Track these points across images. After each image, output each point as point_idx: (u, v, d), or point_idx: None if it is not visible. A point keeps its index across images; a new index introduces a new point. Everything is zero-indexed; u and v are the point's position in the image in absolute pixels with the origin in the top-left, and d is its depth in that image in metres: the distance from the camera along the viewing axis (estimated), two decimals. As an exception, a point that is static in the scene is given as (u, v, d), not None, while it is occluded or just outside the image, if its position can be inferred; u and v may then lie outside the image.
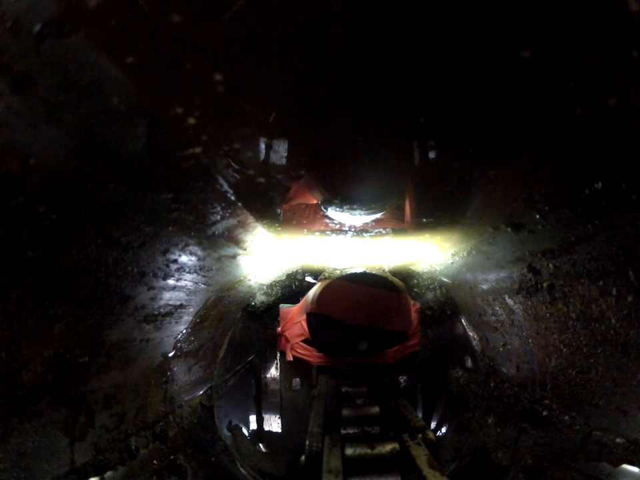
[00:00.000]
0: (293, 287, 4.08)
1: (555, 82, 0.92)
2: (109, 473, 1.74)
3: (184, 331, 2.39)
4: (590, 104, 0.96)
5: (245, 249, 2.19)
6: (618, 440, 1.67)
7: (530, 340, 2.29)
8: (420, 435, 2.15)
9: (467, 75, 0.93)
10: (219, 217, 1.64)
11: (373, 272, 3.28)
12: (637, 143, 1.02)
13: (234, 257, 2.23)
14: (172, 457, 2.34)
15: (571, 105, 0.98)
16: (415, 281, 3.94)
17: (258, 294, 3.84)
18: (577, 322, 1.78)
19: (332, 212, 1.69)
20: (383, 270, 3.40)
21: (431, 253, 2.67)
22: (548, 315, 2.00)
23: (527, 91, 0.97)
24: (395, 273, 3.47)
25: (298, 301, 3.82)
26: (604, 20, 0.76)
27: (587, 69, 0.88)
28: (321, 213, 1.79)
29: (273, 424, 4.46)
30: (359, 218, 1.75)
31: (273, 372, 4.56)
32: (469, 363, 3.57)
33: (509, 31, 0.82)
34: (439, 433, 3.86)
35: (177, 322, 2.23)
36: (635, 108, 0.94)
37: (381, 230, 2.09)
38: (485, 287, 2.58)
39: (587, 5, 0.74)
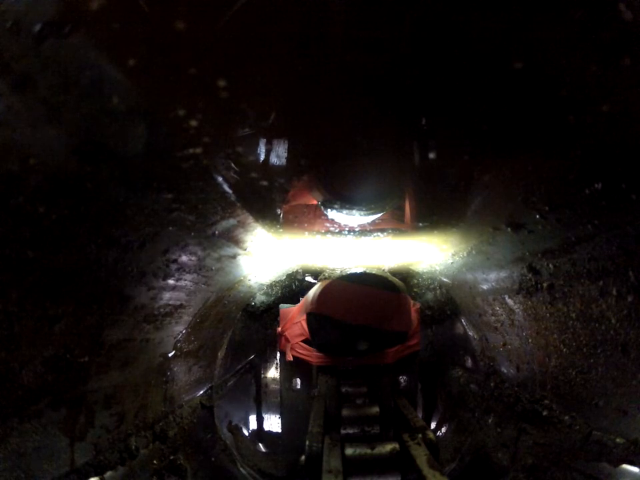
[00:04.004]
0: (292, 287, 4.08)
1: (547, 90, 0.93)
2: (109, 473, 1.74)
3: (184, 331, 2.39)
4: (583, 110, 0.97)
5: (245, 249, 2.19)
6: (618, 440, 1.67)
7: (530, 340, 2.29)
8: (420, 435, 2.16)
9: (464, 77, 0.93)
10: (219, 217, 1.64)
11: (373, 272, 3.28)
12: (636, 144, 1.02)
13: (234, 257, 2.23)
14: (172, 457, 2.33)
15: (564, 111, 0.98)
16: (415, 281, 3.94)
17: (258, 294, 3.84)
18: (577, 322, 1.78)
19: (331, 213, 1.69)
20: (383, 270, 3.40)
21: (431, 253, 2.67)
22: (548, 314, 2.00)
23: (520, 97, 0.97)
24: (394, 273, 3.47)
25: (298, 301, 3.82)
26: (596, 29, 0.77)
27: (579, 78, 0.89)
28: (321, 213, 1.79)
29: (273, 424, 4.45)
30: (358, 218, 1.74)
31: (273, 372, 4.56)
32: (469, 363, 3.57)
33: (502, 40, 0.82)
34: (439, 433, 3.86)
35: (176, 322, 2.23)
36: (631, 112, 0.95)
37: (380, 230, 2.09)
38: (485, 286, 2.58)
39: (580, 15, 0.74)
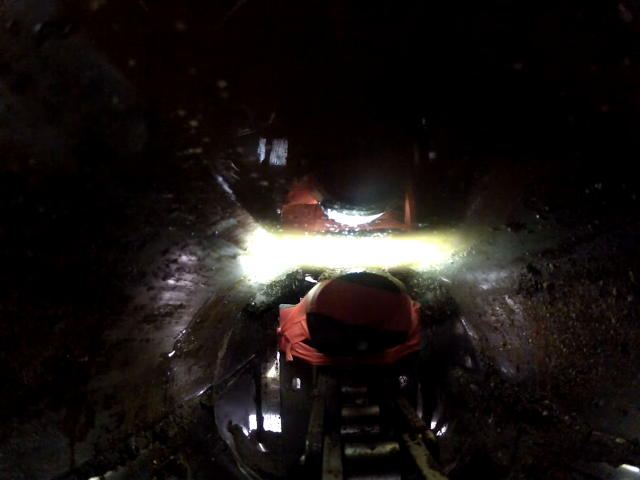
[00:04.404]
0: (292, 287, 4.09)
1: (546, 90, 0.93)
2: (109, 473, 1.74)
3: (184, 331, 2.39)
4: (583, 110, 0.97)
5: (245, 249, 2.19)
6: (618, 440, 1.67)
7: (530, 340, 2.29)
8: (420, 435, 2.15)
9: (464, 77, 0.93)
10: (218, 217, 1.64)
11: (373, 272, 3.28)
12: (635, 144, 1.02)
13: (234, 257, 2.23)
14: (172, 457, 2.34)
15: (563, 112, 0.99)
16: (415, 281, 3.94)
17: (258, 294, 3.84)
18: (577, 322, 1.78)
19: (331, 213, 1.69)
20: (383, 270, 3.40)
21: (431, 253, 2.67)
22: (548, 314, 2.00)
23: (520, 97, 0.97)
24: (394, 272, 3.48)
25: (298, 301, 3.82)
26: (596, 30, 0.77)
27: (578, 79, 0.89)
28: (321, 213, 1.79)
29: (273, 424, 4.46)
30: (358, 219, 1.74)
31: (273, 372, 4.56)
32: (469, 363, 3.57)
33: (502, 41, 0.82)
34: (438, 433, 3.87)
35: (176, 322, 2.23)
36: (630, 112, 0.95)
37: (380, 230, 2.09)
38: (485, 286, 2.58)
39: (580, 15, 0.74)
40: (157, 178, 1.25)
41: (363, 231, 2.09)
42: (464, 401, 3.48)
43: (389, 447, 2.17)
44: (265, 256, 2.56)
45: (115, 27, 0.78)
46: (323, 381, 3.27)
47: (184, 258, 1.81)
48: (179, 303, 2.11)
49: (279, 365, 4.06)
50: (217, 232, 1.77)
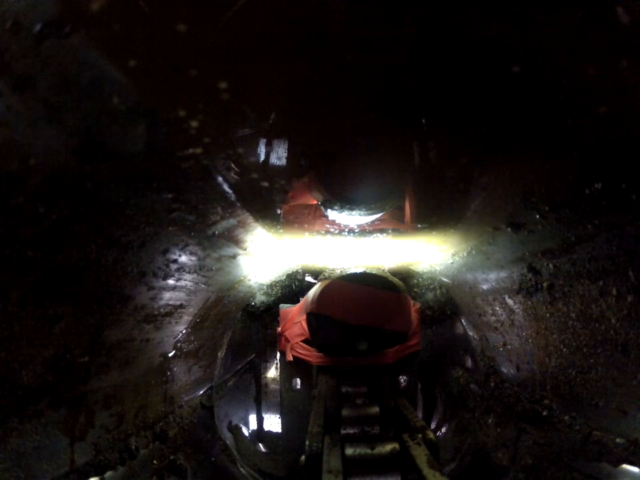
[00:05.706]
0: (292, 287, 4.09)
1: (545, 92, 0.93)
2: (109, 473, 1.74)
3: (184, 331, 2.39)
4: (581, 111, 0.97)
5: (245, 249, 2.19)
6: (618, 440, 1.67)
7: (530, 340, 2.29)
8: (420, 435, 2.15)
9: (464, 79, 0.93)
10: (218, 217, 1.64)
11: (373, 272, 3.28)
12: (635, 144, 1.02)
13: (234, 256, 2.23)
14: (172, 457, 2.34)
15: (562, 113, 0.99)
16: (415, 281, 3.94)
17: (258, 294, 3.84)
18: (577, 322, 1.78)
19: (331, 213, 1.69)
20: (383, 270, 3.40)
21: (431, 253, 2.67)
22: (548, 315, 2.00)
23: (518, 98, 0.97)
24: (394, 273, 3.48)
25: (298, 301, 3.82)
26: (593, 33, 0.77)
27: (577, 80, 0.89)
28: (321, 213, 1.79)
29: (273, 424, 4.46)
30: (358, 219, 1.75)
31: (273, 372, 4.56)
32: (469, 363, 3.57)
33: (502, 41, 0.82)
34: (438, 433, 3.86)
35: (176, 322, 2.23)
36: (629, 113, 0.95)
37: (380, 230, 2.09)
38: (485, 286, 2.58)
39: (579, 16, 0.74)
40: (156, 178, 1.25)
41: (363, 231, 2.09)
42: (464, 401, 3.48)
43: (388, 447, 2.17)
44: (265, 256, 2.56)
45: (115, 27, 0.78)
46: (323, 381, 3.27)
47: (184, 258, 1.81)
48: (179, 302, 2.11)
49: (278, 365, 4.06)
50: (216, 232, 1.77)
